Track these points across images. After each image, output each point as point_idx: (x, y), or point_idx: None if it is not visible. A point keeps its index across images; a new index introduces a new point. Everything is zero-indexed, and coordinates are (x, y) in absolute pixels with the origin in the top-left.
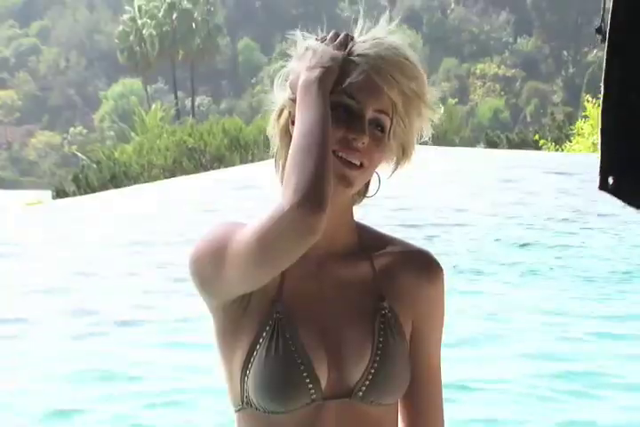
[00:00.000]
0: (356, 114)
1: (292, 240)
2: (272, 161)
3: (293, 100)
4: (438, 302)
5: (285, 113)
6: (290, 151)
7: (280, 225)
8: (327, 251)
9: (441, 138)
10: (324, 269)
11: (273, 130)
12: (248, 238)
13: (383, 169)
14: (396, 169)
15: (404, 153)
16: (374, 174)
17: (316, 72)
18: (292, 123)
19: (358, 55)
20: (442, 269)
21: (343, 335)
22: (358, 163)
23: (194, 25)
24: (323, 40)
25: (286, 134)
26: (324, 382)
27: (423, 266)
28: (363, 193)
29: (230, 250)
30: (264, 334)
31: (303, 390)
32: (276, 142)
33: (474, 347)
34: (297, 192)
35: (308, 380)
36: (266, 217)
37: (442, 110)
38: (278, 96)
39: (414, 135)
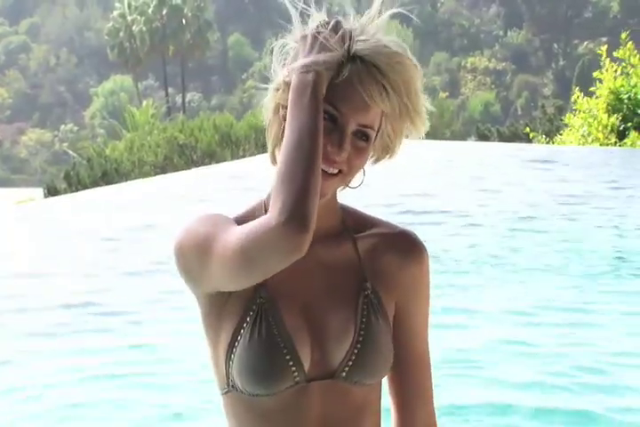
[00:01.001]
0: (338, 125)
1: (275, 256)
2: (259, 157)
3: (287, 85)
4: (423, 283)
5: (278, 94)
6: (279, 162)
7: (265, 241)
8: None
9: (432, 132)
10: (307, 251)
11: (267, 104)
12: (233, 246)
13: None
14: (375, 163)
15: (388, 153)
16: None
17: (310, 75)
18: (284, 107)
19: (354, 58)
20: (426, 250)
21: (326, 317)
22: (335, 171)
23: (184, 21)
24: (323, 26)
25: (275, 114)
26: (307, 365)
27: (407, 247)
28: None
29: (216, 250)
30: (248, 319)
31: (286, 373)
32: (268, 117)
33: None
34: (284, 211)
35: (291, 363)
36: (252, 228)
37: (432, 107)
38: (276, 70)
39: (401, 139)
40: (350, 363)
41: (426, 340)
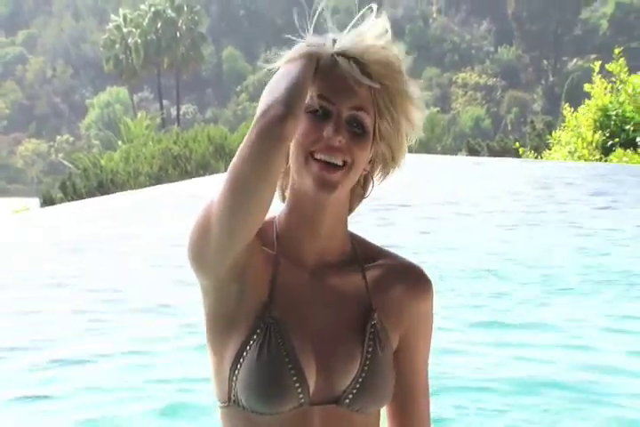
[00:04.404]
0: (332, 115)
1: (260, 148)
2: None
3: None
4: (427, 317)
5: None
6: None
7: (247, 140)
8: (320, 260)
9: (423, 146)
10: (316, 277)
11: None
12: (224, 179)
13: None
14: (386, 176)
15: (393, 157)
16: (369, 180)
17: (299, 59)
18: None
19: (342, 50)
20: (431, 285)
21: (333, 345)
22: (340, 162)
23: (178, 34)
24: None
25: None
26: (312, 388)
27: (414, 280)
28: (358, 199)
29: (212, 203)
30: (255, 337)
31: (292, 394)
32: None
33: None
34: (262, 108)
35: (297, 384)
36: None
37: (425, 115)
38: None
39: (403, 137)
40: (354, 391)
41: (426, 372)
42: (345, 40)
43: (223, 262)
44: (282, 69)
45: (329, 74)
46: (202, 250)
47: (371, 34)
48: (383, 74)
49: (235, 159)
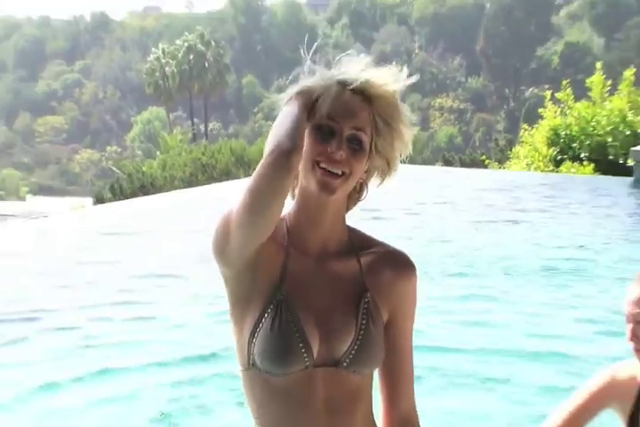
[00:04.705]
0: (336, 133)
1: (272, 177)
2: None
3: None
4: (411, 295)
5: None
6: (270, 132)
7: (262, 169)
8: (323, 249)
9: (407, 158)
10: (320, 263)
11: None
12: (241, 195)
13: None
14: (382, 182)
15: (388, 166)
16: (365, 187)
17: (296, 102)
18: None
19: (346, 79)
20: (415, 269)
21: (333, 318)
22: (340, 172)
23: (207, 64)
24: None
25: None
26: (315, 354)
27: (401, 265)
28: (355, 202)
29: (232, 212)
30: (268, 311)
31: (298, 357)
32: None
33: None
34: (272, 144)
35: (303, 350)
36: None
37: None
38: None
39: (397, 151)
40: (351, 356)
41: (411, 341)
42: (350, 72)
43: (241, 256)
44: (283, 111)
45: (337, 100)
46: (223, 248)
47: (370, 68)
48: (381, 101)
49: (252, 182)
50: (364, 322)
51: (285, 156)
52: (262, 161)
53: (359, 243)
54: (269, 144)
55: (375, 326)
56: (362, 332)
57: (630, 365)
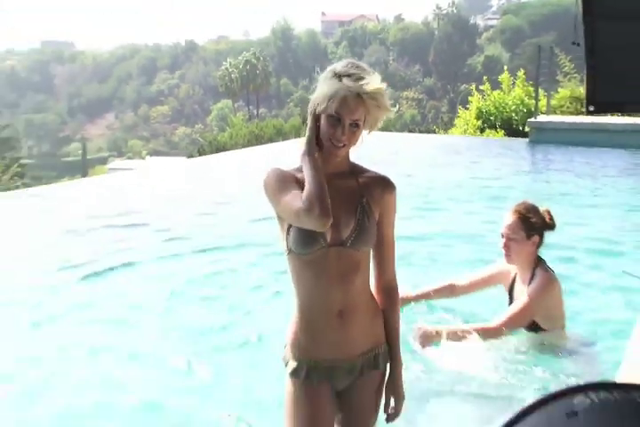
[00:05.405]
0: (341, 122)
1: (310, 221)
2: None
3: (312, 109)
4: (392, 204)
5: (309, 108)
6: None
7: (305, 213)
8: (333, 173)
9: (384, 129)
10: (330, 182)
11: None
12: (291, 212)
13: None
14: (368, 133)
15: (371, 129)
16: (361, 138)
17: (307, 155)
18: (311, 114)
19: (348, 86)
20: (395, 188)
21: (340, 214)
22: (342, 145)
23: (257, 72)
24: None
25: (310, 122)
26: (329, 238)
27: (386, 184)
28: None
29: (280, 203)
30: None
31: (318, 241)
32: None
33: None
34: (310, 201)
35: (320, 236)
36: (297, 209)
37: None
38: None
39: (381, 120)
40: (352, 238)
41: (393, 234)
42: (349, 83)
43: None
44: (309, 169)
45: (342, 101)
46: (271, 204)
47: (365, 81)
48: (371, 102)
49: (303, 210)
50: (360, 216)
51: (319, 219)
52: (305, 206)
53: (358, 171)
54: (308, 196)
55: (368, 219)
56: (359, 222)
57: (506, 263)
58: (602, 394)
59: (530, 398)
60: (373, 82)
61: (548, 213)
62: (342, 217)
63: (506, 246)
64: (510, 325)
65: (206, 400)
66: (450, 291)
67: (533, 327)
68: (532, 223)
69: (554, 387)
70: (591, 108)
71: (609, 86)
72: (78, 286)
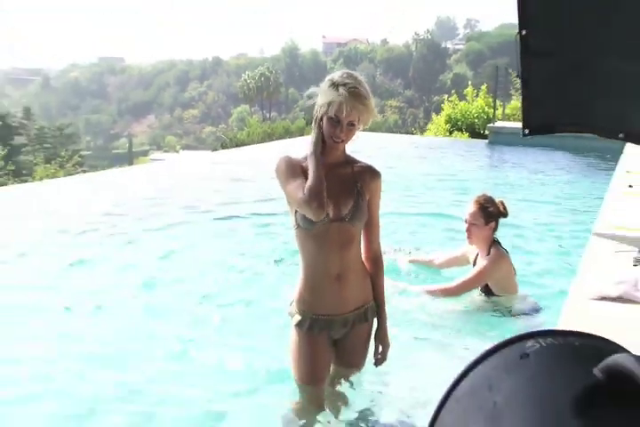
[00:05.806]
0: (340, 123)
1: (310, 210)
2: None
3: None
4: (378, 188)
5: (315, 112)
6: (308, 183)
7: (305, 203)
8: (332, 162)
9: (371, 129)
10: (330, 170)
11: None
12: (294, 200)
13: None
14: (360, 129)
15: (363, 127)
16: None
17: (313, 153)
18: (317, 119)
19: (342, 93)
20: (381, 176)
21: (339, 196)
22: (340, 141)
23: (270, 83)
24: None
25: (315, 122)
26: (331, 214)
27: (374, 173)
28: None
29: (287, 189)
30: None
31: (322, 218)
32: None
33: None
34: (311, 195)
35: (323, 213)
36: (299, 199)
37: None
38: (319, 99)
39: (370, 120)
40: (350, 215)
41: (378, 213)
42: (347, 93)
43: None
44: (314, 171)
45: (339, 106)
46: (281, 186)
47: (357, 90)
48: (362, 107)
49: (305, 199)
50: (355, 198)
51: (316, 211)
52: (305, 198)
53: (352, 162)
54: (309, 191)
55: (362, 200)
56: (354, 203)
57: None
58: (548, 339)
59: (487, 344)
60: (363, 91)
61: (502, 203)
62: (342, 198)
63: (468, 231)
64: (465, 287)
65: (216, 339)
66: (429, 264)
67: (487, 293)
68: (490, 212)
69: (499, 337)
70: (526, 132)
71: (540, 112)
72: (125, 248)
